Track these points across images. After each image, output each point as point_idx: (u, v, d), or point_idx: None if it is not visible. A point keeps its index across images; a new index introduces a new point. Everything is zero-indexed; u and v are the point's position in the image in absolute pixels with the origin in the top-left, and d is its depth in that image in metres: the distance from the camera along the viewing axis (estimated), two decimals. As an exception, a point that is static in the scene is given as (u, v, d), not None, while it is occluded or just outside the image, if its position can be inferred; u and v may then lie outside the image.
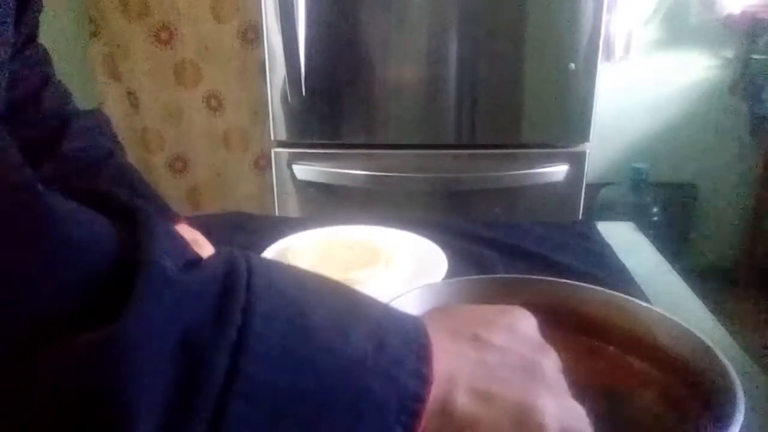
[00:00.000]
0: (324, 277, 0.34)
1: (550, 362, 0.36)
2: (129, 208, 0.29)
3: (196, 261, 0.28)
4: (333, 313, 0.30)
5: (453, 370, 0.32)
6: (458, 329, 0.36)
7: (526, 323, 0.39)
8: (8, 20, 0.34)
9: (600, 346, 0.51)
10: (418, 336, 0.32)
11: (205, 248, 0.68)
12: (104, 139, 0.69)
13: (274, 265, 0.32)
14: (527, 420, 0.32)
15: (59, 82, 0.69)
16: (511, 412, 0.32)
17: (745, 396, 0.38)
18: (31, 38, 0.64)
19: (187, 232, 0.69)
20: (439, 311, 0.41)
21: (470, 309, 0.41)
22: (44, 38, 0.72)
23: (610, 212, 2.14)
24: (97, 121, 0.70)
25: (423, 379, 0.31)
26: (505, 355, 0.35)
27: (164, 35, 2.03)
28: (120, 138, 0.74)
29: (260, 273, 0.29)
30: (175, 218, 0.70)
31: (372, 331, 0.31)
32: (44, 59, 0.67)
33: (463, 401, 0.32)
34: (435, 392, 0.31)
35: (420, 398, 0.30)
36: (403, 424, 0.30)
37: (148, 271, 0.25)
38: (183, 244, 0.29)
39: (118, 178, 0.67)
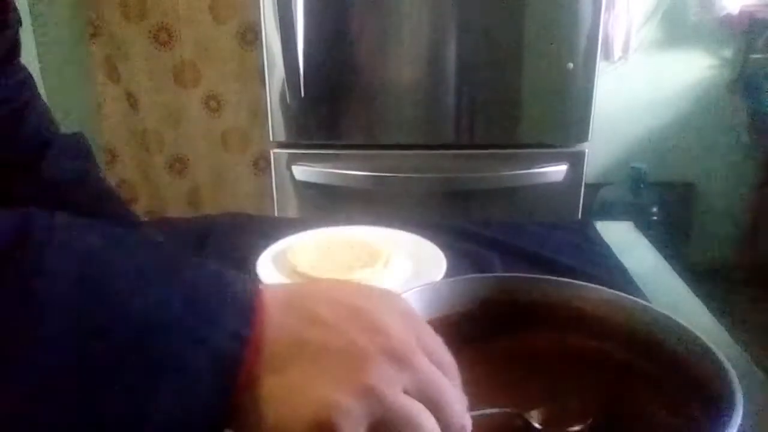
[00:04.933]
0: (142, 239, 0.32)
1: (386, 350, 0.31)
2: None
3: None
4: (137, 272, 0.29)
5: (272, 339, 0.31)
6: (296, 300, 0.33)
7: (385, 303, 0.34)
8: None
9: (600, 346, 0.51)
10: (245, 297, 0.31)
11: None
12: (81, 162, 0.70)
13: (79, 225, 0.30)
14: (318, 417, 0.29)
15: (43, 104, 0.69)
16: (304, 406, 0.29)
17: (744, 396, 0.38)
18: (9, 58, 0.63)
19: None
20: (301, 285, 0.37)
21: (326, 283, 0.36)
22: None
23: (610, 212, 2.15)
24: (77, 144, 0.70)
25: (242, 340, 0.29)
26: (330, 336, 0.31)
27: (163, 36, 2.03)
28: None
29: (59, 229, 0.29)
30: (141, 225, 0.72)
31: (184, 290, 0.30)
32: (27, 79, 0.67)
33: (267, 380, 0.30)
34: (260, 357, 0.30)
35: (238, 361, 0.29)
36: (216, 387, 0.29)
37: None
38: None
39: (93, 198, 0.69)
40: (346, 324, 0.31)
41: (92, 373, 0.27)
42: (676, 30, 2.20)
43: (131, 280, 0.29)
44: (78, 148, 0.70)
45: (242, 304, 0.31)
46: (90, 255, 0.29)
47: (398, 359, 0.31)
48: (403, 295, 0.52)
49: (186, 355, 0.28)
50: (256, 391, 0.30)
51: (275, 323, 0.31)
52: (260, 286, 0.32)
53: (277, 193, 1.67)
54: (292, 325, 0.31)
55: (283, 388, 0.30)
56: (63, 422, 0.27)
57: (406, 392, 0.31)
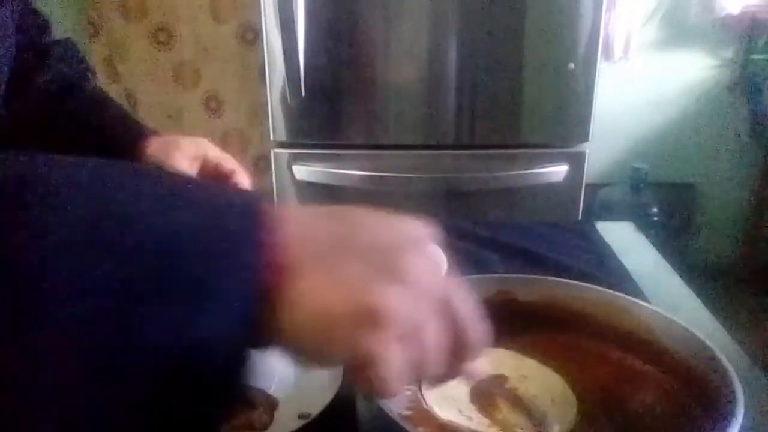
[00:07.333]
0: (143, 166, 0.32)
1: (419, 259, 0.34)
2: None
3: None
4: (155, 196, 0.29)
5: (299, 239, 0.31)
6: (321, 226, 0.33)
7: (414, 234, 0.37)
8: None
9: (600, 346, 0.51)
10: (264, 212, 0.30)
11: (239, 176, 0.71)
12: (74, 68, 0.70)
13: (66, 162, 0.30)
14: (361, 303, 0.30)
15: (37, 11, 0.69)
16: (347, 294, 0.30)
17: (745, 396, 0.38)
18: None
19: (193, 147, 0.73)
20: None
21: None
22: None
23: (610, 212, 2.14)
24: (68, 49, 0.70)
25: (267, 247, 0.29)
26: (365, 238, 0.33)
27: (163, 36, 2.03)
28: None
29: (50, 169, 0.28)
30: (150, 134, 0.68)
31: (202, 210, 0.29)
32: None
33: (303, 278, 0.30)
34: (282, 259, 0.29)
35: (266, 268, 0.29)
36: (248, 300, 0.28)
37: None
38: None
39: (89, 104, 0.68)
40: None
41: (128, 298, 0.26)
42: (676, 30, 2.20)
43: (150, 204, 0.28)
44: (70, 54, 0.69)
45: (262, 217, 0.30)
46: (100, 187, 0.28)
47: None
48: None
49: (219, 271, 0.28)
50: (291, 292, 0.29)
51: (299, 228, 0.31)
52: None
53: (277, 194, 1.67)
54: (320, 229, 0.32)
55: (320, 283, 0.30)
56: (109, 346, 0.26)
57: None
